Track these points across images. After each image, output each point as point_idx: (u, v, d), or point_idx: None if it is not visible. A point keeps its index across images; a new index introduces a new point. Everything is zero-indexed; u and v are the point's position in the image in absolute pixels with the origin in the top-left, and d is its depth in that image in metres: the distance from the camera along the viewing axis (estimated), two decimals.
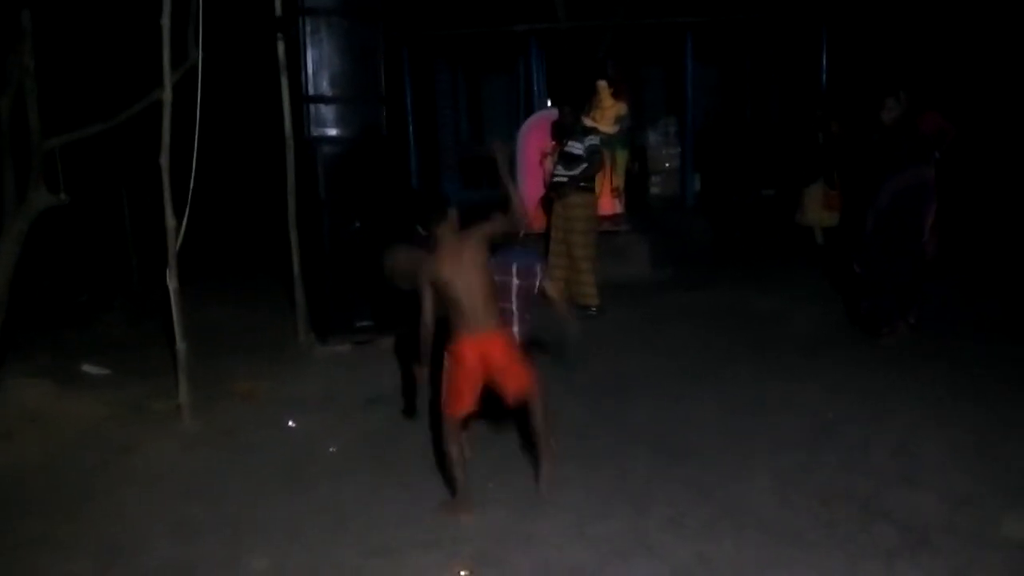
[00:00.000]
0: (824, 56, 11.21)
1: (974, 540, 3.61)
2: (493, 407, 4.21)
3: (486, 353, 3.96)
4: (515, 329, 4.42)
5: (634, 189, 10.26)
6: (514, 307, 4.44)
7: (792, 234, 10.02)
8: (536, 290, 4.47)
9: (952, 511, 3.86)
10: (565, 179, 7.36)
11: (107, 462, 4.82)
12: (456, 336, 3.99)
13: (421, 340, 3.96)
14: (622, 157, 9.26)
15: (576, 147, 7.30)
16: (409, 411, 5.10)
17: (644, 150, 11.88)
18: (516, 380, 4.03)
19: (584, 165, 7.26)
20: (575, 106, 7.75)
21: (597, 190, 9.16)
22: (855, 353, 6.05)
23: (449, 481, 4.18)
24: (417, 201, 4.71)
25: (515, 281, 4.41)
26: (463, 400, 4.02)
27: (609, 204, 9.31)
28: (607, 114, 9.02)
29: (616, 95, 9.04)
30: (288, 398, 5.64)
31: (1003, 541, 3.61)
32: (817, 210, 9.63)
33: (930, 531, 3.70)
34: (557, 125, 7.78)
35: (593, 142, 7.32)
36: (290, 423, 5.27)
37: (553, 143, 8.35)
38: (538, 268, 4.48)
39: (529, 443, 4.37)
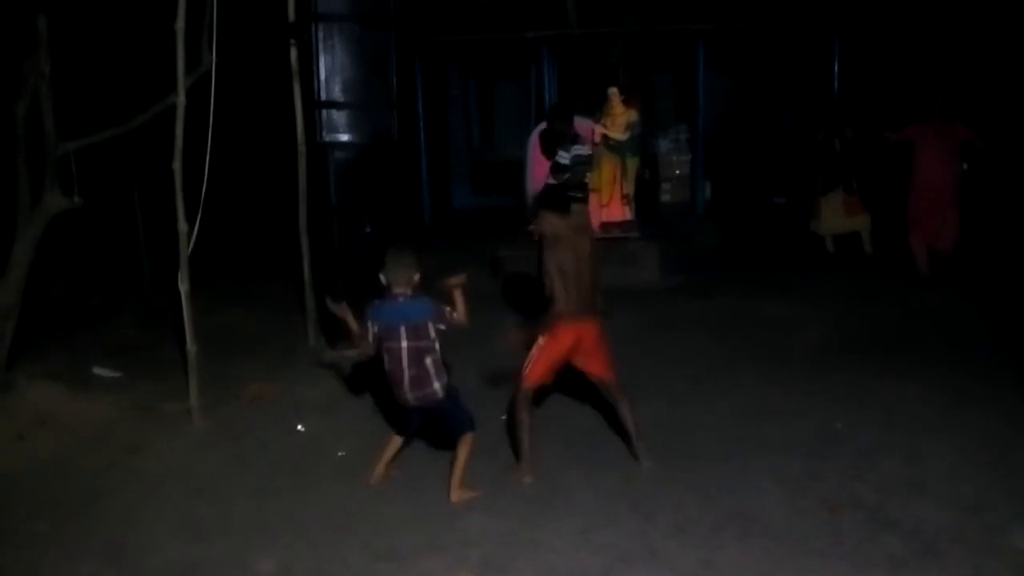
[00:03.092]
0: (836, 64, 11.20)
1: (982, 549, 3.60)
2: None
3: (580, 337, 4.47)
4: (408, 394, 4.23)
5: (644, 196, 10.27)
6: (405, 369, 4.21)
7: (802, 242, 9.99)
8: (432, 342, 4.23)
9: (960, 520, 3.84)
10: None
11: (117, 463, 4.85)
12: (559, 316, 4.44)
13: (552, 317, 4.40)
14: (633, 164, 9.27)
15: (564, 156, 7.19)
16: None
17: (655, 157, 11.91)
18: (600, 364, 4.60)
19: (567, 175, 7.08)
20: (565, 117, 7.58)
21: (606, 199, 9.21)
22: (863, 361, 6.02)
23: (515, 445, 4.56)
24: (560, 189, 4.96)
25: (403, 344, 4.18)
26: (543, 373, 4.51)
27: (619, 211, 9.32)
28: (618, 121, 9.03)
29: (627, 102, 9.05)
30: (297, 401, 5.66)
31: (1011, 550, 3.60)
32: (835, 218, 9.53)
33: (937, 540, 3.69)
34: (546, 135, 7.55)
35: (580, 151, 7.17)
36: (299, 427, 5.29)
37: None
38: (428, 319, 4.21)
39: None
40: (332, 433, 5.16)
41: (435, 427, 4.58)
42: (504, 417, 5.12)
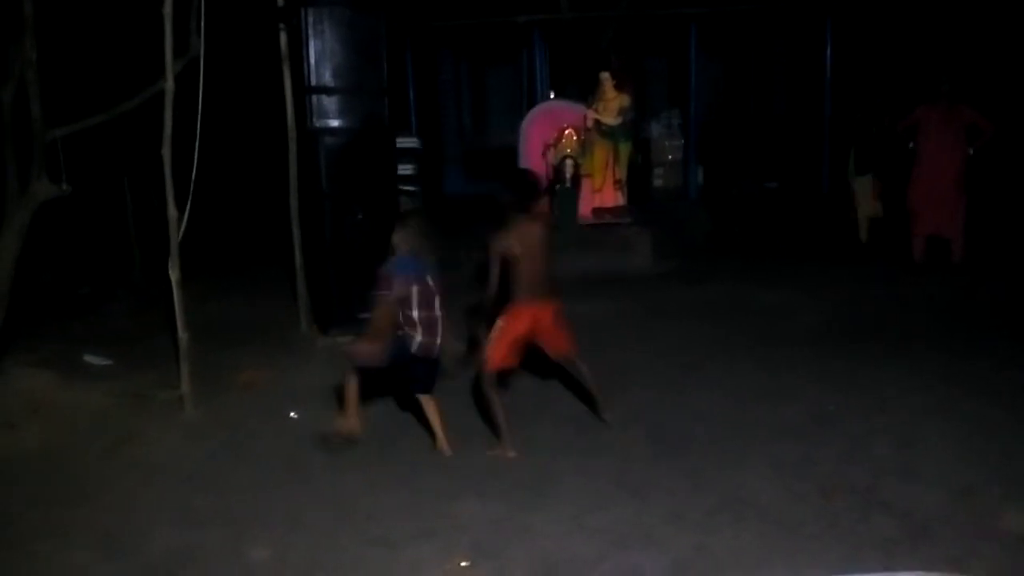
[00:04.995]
0: (829, 47, 11.16)
1: (974, 531, 3.61)
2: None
3: (539, 319, 4.64)
4: (417, 339, 4.49)
5: (637, 181, 10.25)
6: (439, 312, 4.55)
7: (796, 226, 9.96)
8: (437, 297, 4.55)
9: (952, 502, 3.85)
10: None
11: (109, 452, 4.83)
12: (516, 301, 4.59)
13: (486, 303, 4.60)
14: (625, 149, 9.26)
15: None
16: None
17: (647, 142, 11.88)
18: (560, 341, 4.77)
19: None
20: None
21: (598, 184, 9.19)
22: (856, 345, 6.03)
23: (493, 426, 4.66)
24: (518, 180, 4.98)
25: (415, 288, 4.47)
26: (506, 356, 4.64)
27: (612, 196, 9.31)
28: (610, 106, 9.02)
29: (619, 87, 9.03)
30: (290, 389, 5.65)
31: (1003, 532, 3.61)
32: (867, 202, 9.30)
33: (930, 522, 3.70)
34: None
35: (405, 142, 7.71)
36: (292, 414, 5.28)
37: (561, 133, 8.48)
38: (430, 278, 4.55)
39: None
40: (324, 420, 5.13)
41: (402, 378, 4.71)
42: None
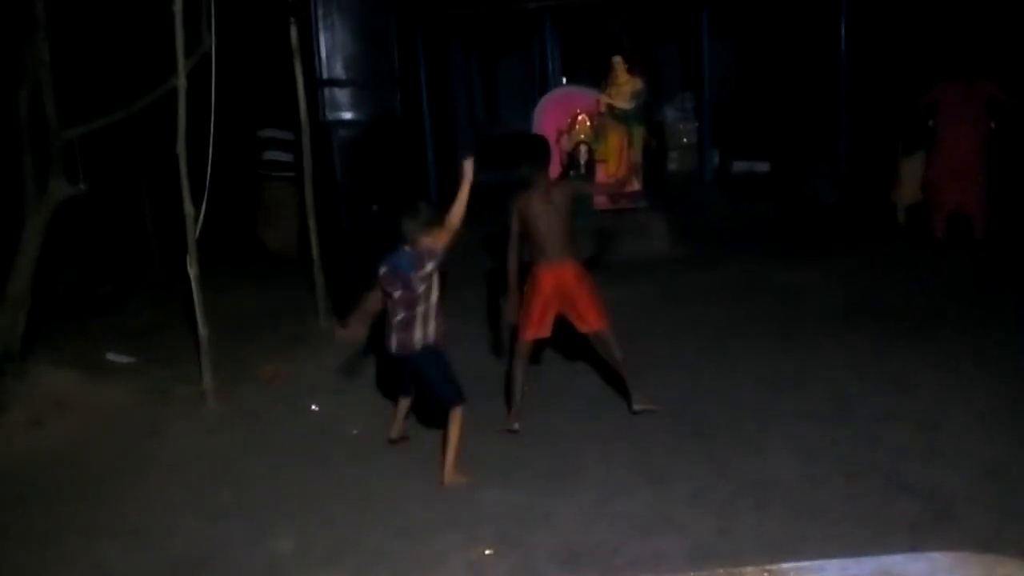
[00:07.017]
0: (843, 25, 11.01)
1: (999, 511, 3.58)
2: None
3: (560, 279, 4.61)
4: (392, 339, 4.24)
5: (652, 165, 10.19)
6: (395, 316, 4.24)
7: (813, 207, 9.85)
8: (418, 294, 4.20)
9: (976, 483, 3.82)
10: None
11: (133, 447, 4.88)
12: (535, 266, 4.62)
13: (508, 274, 4.64)
14: (639, 133, 9.20)
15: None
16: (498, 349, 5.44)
17: (661, 126, 11.79)
18: (589, 311, 4.68)
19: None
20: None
21: (613, 169, 9.14)
22: (877, 327, 5.97)
23: (508, 396, 4.75)
24: (527, 143, 5.03)
25: (396, 293, 4.21)
26: (536, 325, 4.65)
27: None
28: (623, 90, 8.96)
29: (632, 71, 8.98)
30: (311, 381, 5.68)
31: None
32: (914, 185, 8.58)
33: (955, 503, 3.67)
34: None
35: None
36: (313, 406, 5.31)
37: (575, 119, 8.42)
38: (411, 272, 4.17)
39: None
40: (345, 412, 5.17)
41: (423, 393, 4.50)
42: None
